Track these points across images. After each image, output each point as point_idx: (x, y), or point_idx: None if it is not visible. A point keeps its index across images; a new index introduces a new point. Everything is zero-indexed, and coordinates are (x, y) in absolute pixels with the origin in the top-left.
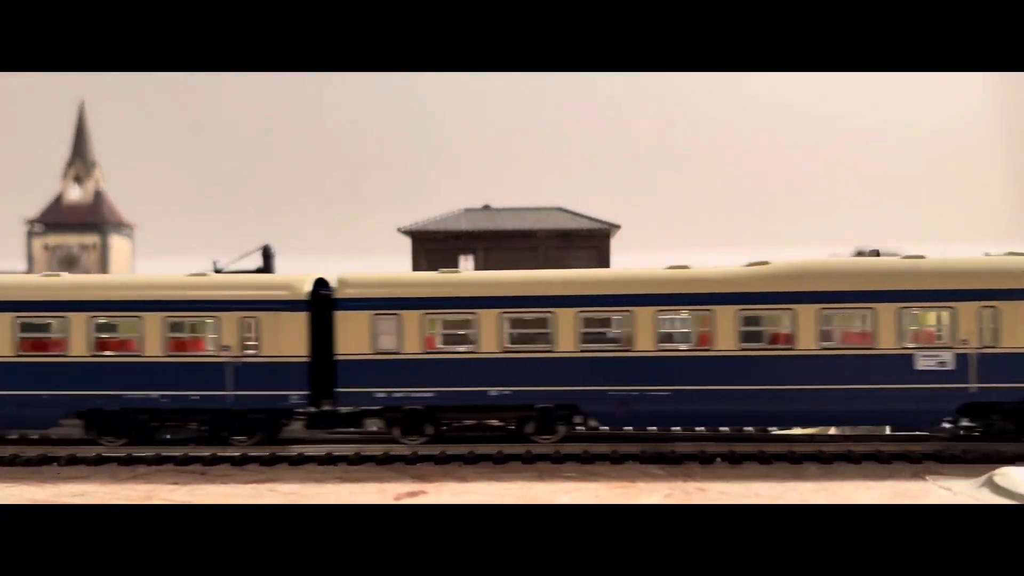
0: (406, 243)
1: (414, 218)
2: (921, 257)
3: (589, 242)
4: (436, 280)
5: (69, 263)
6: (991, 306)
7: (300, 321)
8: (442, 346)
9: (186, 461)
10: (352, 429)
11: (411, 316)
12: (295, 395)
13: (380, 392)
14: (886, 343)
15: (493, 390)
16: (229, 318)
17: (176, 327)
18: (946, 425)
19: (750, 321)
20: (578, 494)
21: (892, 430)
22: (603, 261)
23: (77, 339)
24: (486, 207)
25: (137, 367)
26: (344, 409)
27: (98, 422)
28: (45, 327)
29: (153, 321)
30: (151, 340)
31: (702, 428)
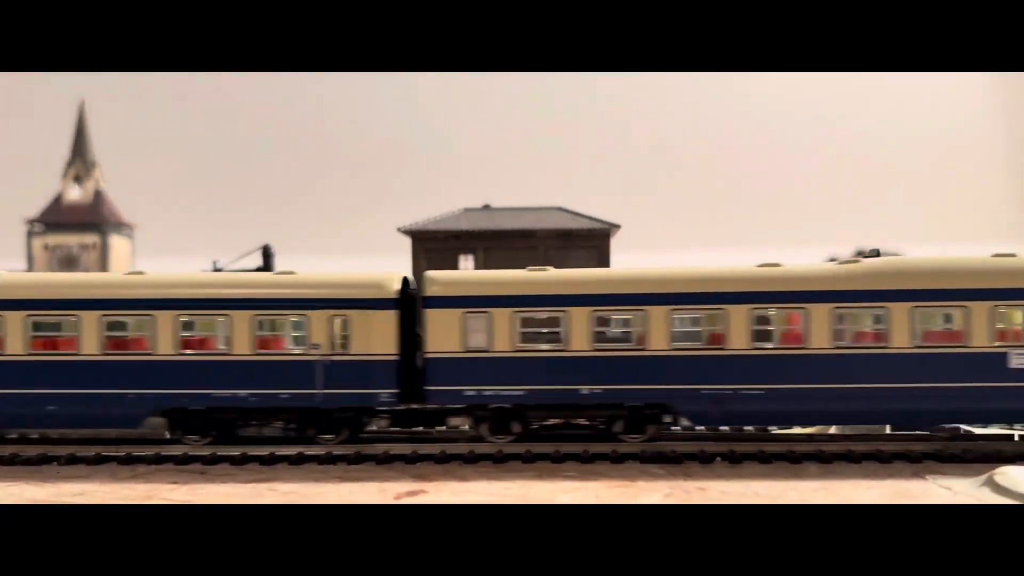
0: (406, 243)
1: (414, 218)
2: (1013, 255)
3: (589, 242)
4: (526, 278)
5: (69, 263)
6: None
7: (390, 319)
8: (531, 344)
9: (186, 460)
10: (435, 427)
11: (501, 314)
12: (384, 393)
13: (470, 390)
14: (979, 341)
15: (584, 388)
16: (318, 316)
17: (264, 326)
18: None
19: (843, 319)
20: (578, 494)
21: (892, 429)
22: (603, 261)
23: (164, 338)
24: (486, 207)
25: (225, 365)
26: (432, 407)
27: (183, 421)
28: (130, 326)
29: (242, 319)
30: (239, 338)
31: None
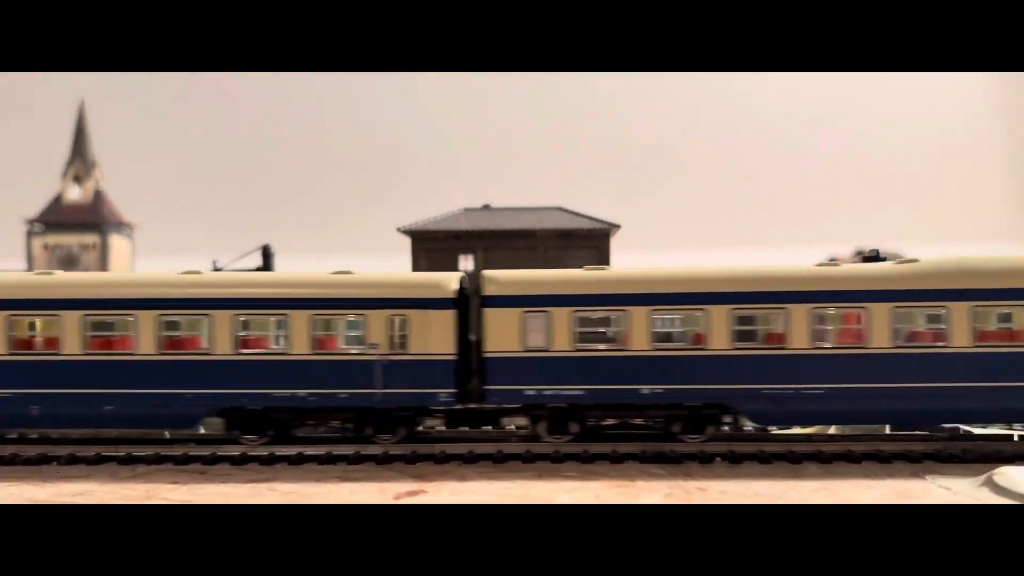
0: (406, 243)
1: (414, 218)
2: None
3: (589, 242)
4: (586, 277)
5: (69, 263)
6: None
7: (448, 319)
8: (590, 343)
9: (186, 460)
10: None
11: (560, 313)
12: (443, 393)
13: (530, 390)
14: None
15: (645, 388)
16: (377, 316)
17: (322, 325)
18: None
19: (902, 318)
20: (578, 494)
21: (892, 429)
22: (603, 261)
23: (222, 337)
24: (486, 207)
25: (284, 365)
26: (491, 406)
27: (240, 421)
28: (187, 325)
29: (300, 319)
30: (298, 338)
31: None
